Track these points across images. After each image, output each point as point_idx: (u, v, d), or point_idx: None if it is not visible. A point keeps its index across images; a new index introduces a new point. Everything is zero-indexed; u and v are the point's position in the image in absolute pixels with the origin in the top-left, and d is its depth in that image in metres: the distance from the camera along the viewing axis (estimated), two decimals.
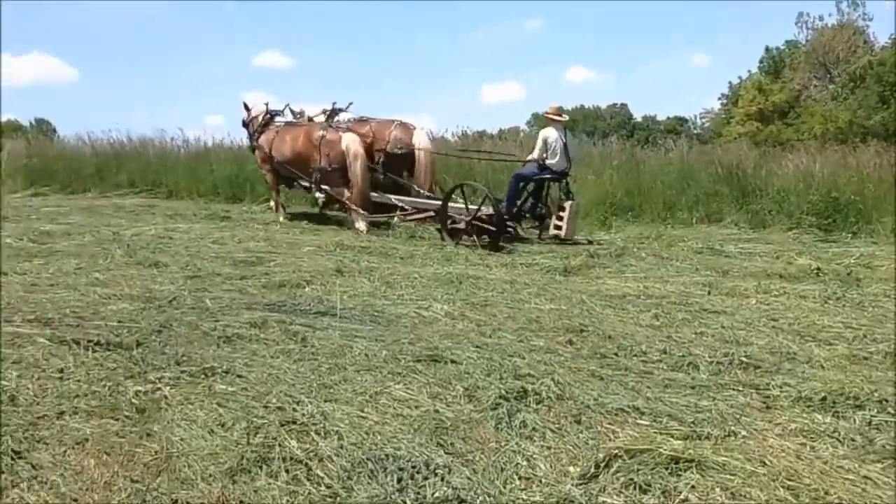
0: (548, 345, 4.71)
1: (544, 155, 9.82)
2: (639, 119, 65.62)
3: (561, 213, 9.71)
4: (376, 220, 10.53)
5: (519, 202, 10.00)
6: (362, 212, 10.42)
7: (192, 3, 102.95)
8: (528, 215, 10.26)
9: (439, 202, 9.89)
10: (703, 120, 61.24)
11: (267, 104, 12.58)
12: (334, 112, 12.19)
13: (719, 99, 57.24)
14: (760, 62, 51.58)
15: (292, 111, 12.63)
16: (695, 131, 56.96)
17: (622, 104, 69.12)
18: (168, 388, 3.77)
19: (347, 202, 10.67)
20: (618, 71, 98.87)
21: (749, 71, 52.30)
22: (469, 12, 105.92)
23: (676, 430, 3.31)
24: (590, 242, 9.46)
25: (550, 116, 10.07)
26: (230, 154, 15.24)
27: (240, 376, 3.96)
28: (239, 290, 6.16)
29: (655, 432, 3.28)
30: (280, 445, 3.12)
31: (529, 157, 10.23)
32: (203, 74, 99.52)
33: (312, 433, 3.26)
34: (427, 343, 4.56)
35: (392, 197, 10.79)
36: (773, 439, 3.22)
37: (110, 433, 3.26)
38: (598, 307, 5.71)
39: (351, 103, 12.36)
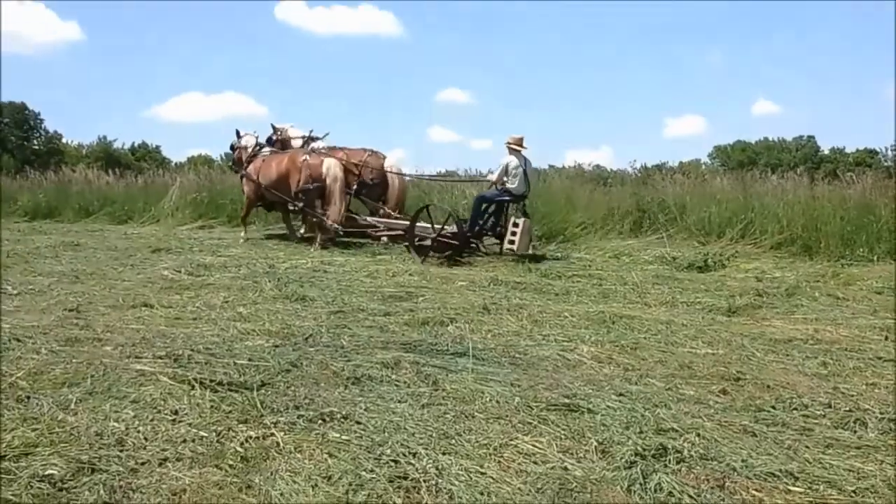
0: (698, 394, 4.35)
1: (504, 178, 11.19)
2: (826, 151, 63.38)
3: (514, 230, 10.99)
4: (348, 236, 12.48)
5: (481, 221, 11.38)
6: (337, 227, 12.13)
7: (372, 41, 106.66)
8: (489, 233, 11.63)
9: (406, 223, 11.51)
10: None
11: (257, 136, 14.34)
12: (311, 139, 13.97)
13: None
14: None
15: (274, 127, 14.48)
16: (885, 164, 53.81)
17: (808, 136, 67.04)
18: (282, 433, 3.65)
19: (325, 220, 12.18)
20: (805, 103, 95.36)
21: None
22: (651, 46, 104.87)
23: (834, 499, 2.93)
24: (540, 258, 11.00)
25: (512, 146, 11.33)
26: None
27: (358, 422, 3.79)
28: (380, 328, 6.06)
29: (809, 501, 2.91)
30: None
31: (489, 180, 11.80)
32: (386, 110, 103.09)
33: (423, 490, 3.04)
34: (566, 389, 4.27)
35: (366, 217, 12.76)
36: None
37: (210, 484, 3.14)
38: (760, 352, 5.30)
39: (327, 133, 14.18)
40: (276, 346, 5.33)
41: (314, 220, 12.67)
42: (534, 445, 3.47)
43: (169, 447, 3.48)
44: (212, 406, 4.02)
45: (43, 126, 66.98)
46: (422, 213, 11.32)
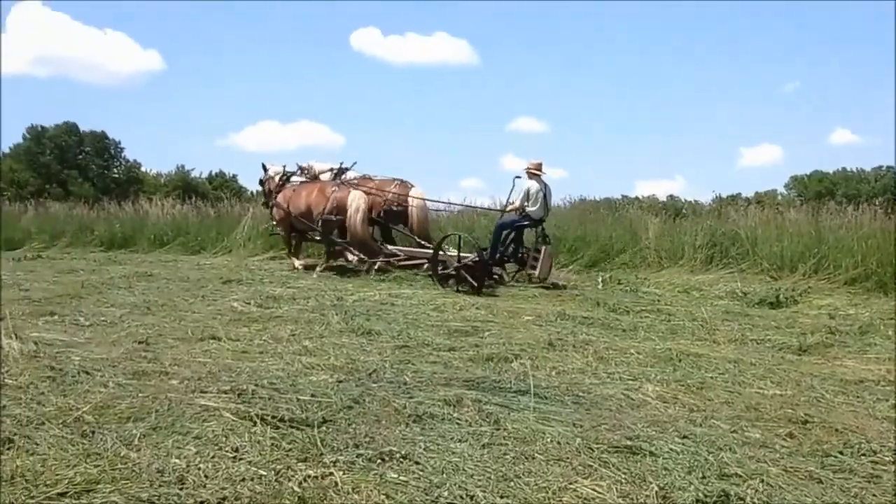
0: (764, 437, 4.25)
1: (526, 203, 11.79)
2: None
3: (536, 255, 11.72)
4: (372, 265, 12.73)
5: (502, 249, 11.94)
6: (363, 256, 12.88)
7: (446, 69, 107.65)
8: (510, 260, 12.17)
9: (430, 251, 11.96)
10: None
11: (284, 166, 15.00)
12: (341, 171, 14.39)
13: None
14: None
15: (299, 166, 14.91)
16: None
17: (888, 167, 65.32)
18: (340, 473, 3.65)
19: (349, 247, 13.14)
20: (885, 133, 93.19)
21: None
22: (727, 76, 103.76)
23: None
24: (563, 287, 11.39)
25: (532, 171, 11.93)
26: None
27: (417, 462, 3.78)
28: (444, 363, 6.05)
29: None
30: None
31: (511, 207, 12.28)
32: (459, 138, 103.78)
33: None
34: (628, 430, 4.22)
35: (388, 246, 13.32)
36: None
37: None
38: (830, 394, 5.19)
39: (355, 163, 14.51)
40: (340, 382, 5.36)
41: (337, 248, 13.51)
42: (593, 489, 3.42)
43: (228, 486, 3.51)
44: (272, 444, 4.05)
45: (123, 155, 69.00)
46: (445, 242, 11.89)
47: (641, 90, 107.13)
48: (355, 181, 13.95)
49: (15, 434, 4.00)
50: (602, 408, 4.81)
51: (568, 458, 3.84)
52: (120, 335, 7.02)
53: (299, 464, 3.79)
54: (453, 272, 11.27)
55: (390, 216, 13.76)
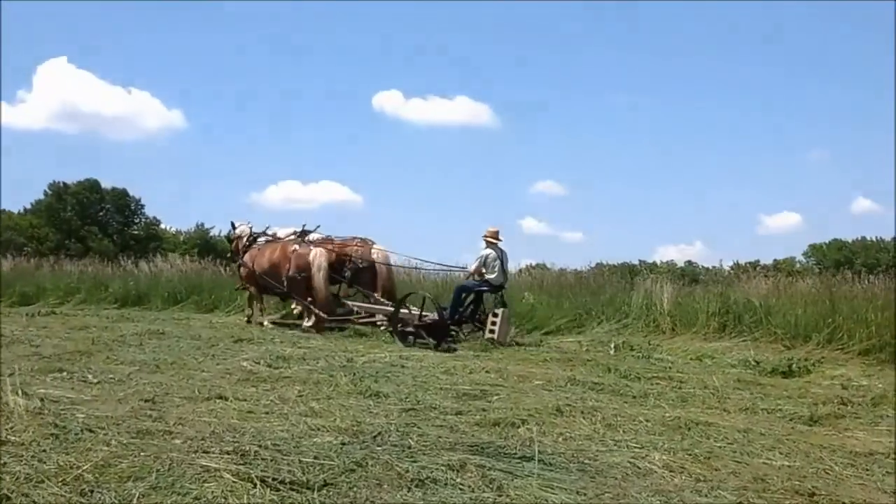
0: None
1: (483, 270, 12.40)
2: None
3: (494, 319, 12.09)
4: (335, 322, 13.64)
5: (461, 309, 12.54)
6: (323, 315, 13.41)
7: (467, 131, 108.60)
8: (468, 321, 12.79)
9: (390, 307, 12.68)
10: None
11: (251, 227, 16.10)
12: (304, 233, 15.18)
13: None
14: None
15: (264, 233, 15.90)
16: None
17: None
18: None
19: (311, 305, 13.68)
20: None
21: None
22: (751, 140, 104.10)
23: None
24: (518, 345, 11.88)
25: (489, 239, 12.58)
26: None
27: None
28: (450, 427, 6.02)
29: None
30: None
31: (469, 271, 12.95)
32: (479, 200, 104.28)
33: None
34: (633, 500, 4.19)
35: (351, 303, 13.86)
36: None
37: None
38: (839, 466, 5.12)
39: (318, 226, 15.38)
40: (344, 444, 5.33)
41: (303, 306, 14.18)
42: None
43: None
44: None
45: (143, 211, 69.68)
46: (405, 301, 12.49)
47: (663, 155, 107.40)
48: (317, 241, 14.75)
49: (13, 491, 3.99)
50: (607, 476, 4.76)
51: None
52: (127, 393, 7.03)
53: None
54: (412, 329, 11.93)
55: (356, 274, 14.40)
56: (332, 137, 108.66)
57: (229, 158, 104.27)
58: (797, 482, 4.73)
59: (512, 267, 16.70)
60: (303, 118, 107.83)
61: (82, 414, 5.91)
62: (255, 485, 4.34)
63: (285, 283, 14.12)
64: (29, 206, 64.96)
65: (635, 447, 5.49)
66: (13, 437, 5.09)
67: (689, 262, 57.73)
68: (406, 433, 5.70)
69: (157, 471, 4.50)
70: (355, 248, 14.73)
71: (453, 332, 12.36)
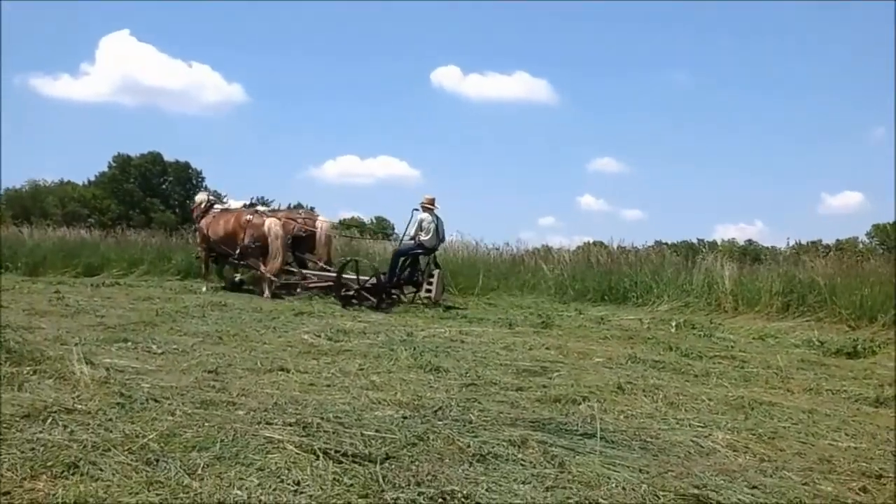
0: (836, 491, 4.13)
1: (420, 233, 13.73)
2: None
3: (431, 280, 13.86)
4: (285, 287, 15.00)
5: (399, 273, 13.95)
6: (274, 279, 14.70)
7: (526, 107, 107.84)
8: (406, 283, 14.23)
9: (334, 274, 13.85)
10: None
11: (208, 194, 18.02)
12: (252, 205, 16.86)
13: None
14: None
15: (218, 196, 18.11)
16: None
17: None
18: None
19: (263, 272, 14.81)
20: None
21: None
22: (814, 118, 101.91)
23: None
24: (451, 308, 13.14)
25: (426, 206, 13.92)
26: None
27: (478, 503, 3.76)
28: (510, 403, 6.02)
29: None
30: None
31: (406, 236, 14.42)
32: (537, 177, 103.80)
33: None
34: (696, 479, 4.12)
35: (301, 270, 15.11)
36: None
37: None
38: None
39: (273, 200, 17.25)
40: (405, 418, 5.35)
41: (257, 271, 15.33)
42: None
43: None
44: (334, 478, 4.06)
45: (204, 184, 70.62)
46: (347, 266, 13.94)
47: (722, 133, 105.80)
48: (267, 212, 16.15)
49: (80, 459, 4.07)
50: (670, 454, 4.71)
51: None
52: (190, 364, 7.15)
53: (360, 500, 3.79)
54: (354, 293, 13.32)
55: (297, 241, 15.63)
56: (391, 113, 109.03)
57: (287, 133, 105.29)
58: (864, 464, 4.65)
59: (571, 243, 17.03)
60: (361, 94, 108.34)
61: (147, 384, 6.01)
62: (318, 457, 4.37)
63: (241, 253, 15.29)
64: (93, 178, 66.14)
65: (698, 426, 5.44)
66: (80, 406, 5.19)
67: (750, 241, 56.74)
68: (467, 408, 5.71)
69: (221, 441, 4.56)
70: (302, 219, 16.06)
71: (394, 295, 13.99)
